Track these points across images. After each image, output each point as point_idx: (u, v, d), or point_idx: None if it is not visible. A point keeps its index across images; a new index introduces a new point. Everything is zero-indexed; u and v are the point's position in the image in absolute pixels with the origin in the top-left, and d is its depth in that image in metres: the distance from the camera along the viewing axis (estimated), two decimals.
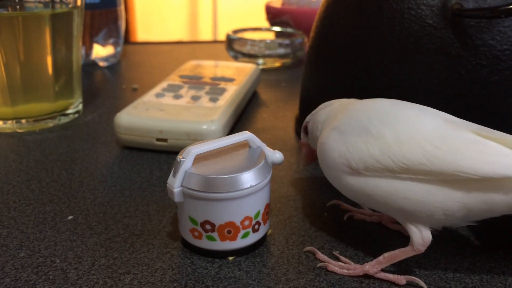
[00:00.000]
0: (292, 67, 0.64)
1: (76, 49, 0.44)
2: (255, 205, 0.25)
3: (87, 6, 0.58)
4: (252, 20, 1.92)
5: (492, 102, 0.31)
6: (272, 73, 0.62)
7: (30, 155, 0.37)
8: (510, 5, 0.28)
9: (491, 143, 0.22)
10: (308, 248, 0.26)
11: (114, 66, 0.64)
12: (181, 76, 0.48)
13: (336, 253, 0.26)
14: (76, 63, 0.45)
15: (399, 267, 0.25)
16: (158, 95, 0.42)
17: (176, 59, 0.68)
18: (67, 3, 0.42)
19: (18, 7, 0.40)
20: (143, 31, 2.17)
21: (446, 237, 0.27)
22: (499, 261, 0.25)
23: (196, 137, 0.36)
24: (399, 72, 0.32)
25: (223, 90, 0.43)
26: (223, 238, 0.25)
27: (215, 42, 0.83)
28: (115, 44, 0.63)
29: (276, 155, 0.27)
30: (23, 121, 0.42)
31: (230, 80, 0.47)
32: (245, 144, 0.28)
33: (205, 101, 0.41)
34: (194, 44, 0.79)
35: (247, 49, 0.63)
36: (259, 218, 0.26)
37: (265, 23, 0.78)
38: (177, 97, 0.41)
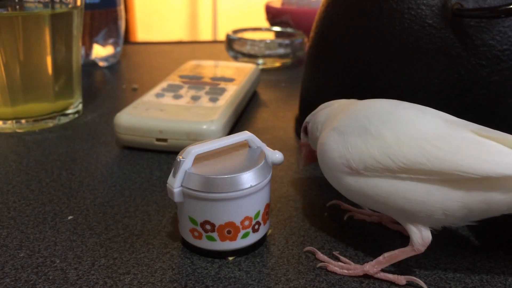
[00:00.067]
0: (292, 67, 0.64)
1: (76, 49, 0.44)
2: (255, 205, 0.25)
3: (87, 6, 0.58)
4: (252, 20, 1.92)
5: (492, 102, 0.31)
6: (272, 73, 0.62)
7: (30, 155, 0.37)
8: (510, 5, 0.28)
9: (491, 143, 0.22)
10: (308, 248, 0.26)
11: (114, 66, 0.64)
12: (181, 76, 0.48)
13: (336, 253, 0.26)
14: (76, 63, 0.45)
15: (399, 267, 0.25)
16: (158, 95, 0.41)
17: (176, 59, 0.68)
18: (67, 3, 0.42)
19: (17, 7, 0.40)
20: (143, 31, 2.17)
21: (446, 237, 0.27)
22: (499, 261, 0.25)
23: (196, 137, 0.36)
24: (399, 72, 0.32)
25: (223, 90, 0.43)
26: (223, 238, 0.25)
27: (215, 42, 0.83)
28: (115, 44, 0.63)
29: (276, 155, 0.27)
30: (23, 121, 0.42)
31: (230, 80, 0.47)
32: (245, 144, 0.28)
33: (205, 101, 0.41)
34: (194, 44, 0.79)
35: (247, 49, 0.63)
36: (259, 218, 0.26)
37: (265, 23, 0.78)
38: (177, 97, 0.41)
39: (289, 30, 0.69)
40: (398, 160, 0.22)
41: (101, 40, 0.62)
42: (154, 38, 2.12)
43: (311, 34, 0.40)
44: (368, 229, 0.28)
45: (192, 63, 0.53)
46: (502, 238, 0.27)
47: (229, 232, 0.25)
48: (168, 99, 0.41)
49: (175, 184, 0.24)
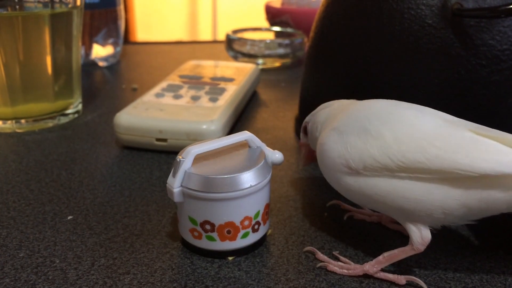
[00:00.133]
0: (292, 67, 0.64)
1: (76, 49, 0.44)
2: (255, 205, 0.25)
3: (87, 6, 0.58)
4: (252, 20, 1.92)
5: (492, 102, 0.31)
6: (272, 73, 0.62)
7: (30, 155, 0.37)
8: (510, 5, 0.28)
9: (489, 142, 0.22)
10: (308, 248, 0.26)
11: (114, 66, 0.64)
12: (181, 76, 0.48)
13: (336, 253, 0.26)
14: (76, 63, 0.45)
15: (399, 267, 0.25)
16: (158, 95, 0.41)
17: (176, 59, 0.68)
18: (67, 3, 0.42)
19: (17, 7, 0.40)
20: (143, 31, 2.17)
21: (446, 237, 0.27)
22: (499, 261, 0.25)
23: (196, 137, 0.36)
24: (399, 72, 0.32)
25: (222, 90, 0.43)
26: (222, 238, 0.25)
27: (214, 42, 0.83)
28: (115, 44, 0.63)
29: (276, 155, 0.27)
30: (23, 121, 0.42)
31: (230, 80, 0.47)
32: (244, 144, 0.28)
33: (204, 101, 0.41)
34: (193, 44, 0.79)
35: (246, 49, 0.63)
36: (259, 218, 0.26)
37: (265, 23, 0.78)
38: (177, 97, 0.41)
39: (289, 30, 0.69)
40: (397, 159, 0.22)
41: (101, 40, 0.62)
42: (154, 38, 2.12)
43: (311, 34, 0.40)
44: (368, 229, 0.28)
45: (192, 63, 0.53)
46: (502, 238, 0.27)
47: (229, 232, 0.25)
48: (168, 99, 0.41)
49: (175, 184, 0.24)
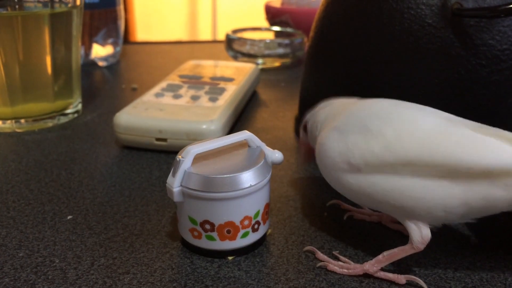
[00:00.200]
0: (291, 67, 0.64)
1: (75, 49, 0.44)
2: (254, 205, 0.25)
3: (86, 6, 0.58)
4: (252, 19, 1.92)
5: (492, 102, 0.31)
6: (272, 73, 0.62)
7: (29, 155, 0.37)
8: (510, 4, 0.28)
9: (490, 139, 0.22)
10: (307, 247, 0.26)
11: (114, 66, 0.64)
12: (181, 76, 0.47)
13: (335, 252, 0.26)
14: (75, 63, 0.45)
15: (399, 267, 0.25)
16: (158, 95, 0.41)
17: (176, 59, 0.68)
18: (66, 3, 0.42)
19: (17, 6, 0.40)
20: (143, 31, 2.17)
21: (446, 236, 0.27)
22: (499, 261, 0.25)
23: (196, 137, 0.36)
24: (399, 72, 0.32)
25: (222, 90, 0.43)
26: (222, 238, 0.25)
27: (214, 42, 0.83)
28: (115, 44, 0.63)
29: (276, 155, 0.27)
30: (22, 121, 0.42)
31: (230, 80, 0.47)
32: (244, 144, 0.28)
33: (204, 100, 0.40)
34: (193, 44, 0.79)
35: (246, 49, 0.63)
36: (259, 218, 0.26)
37: (265, 23, 0.78)
38: (177, 97, 0.41)
39: (288, 30, 0.69)
40: (399, 155, 0.22)
41: (101, 40, 0.62)
42: (154, 38, 2.12)
43: (311, 33, 0.40)
44: (368, 229, 0.28)
45: (192, 62, 0.53)
46: (502, 238, 0.27)
47: (228, 231, 0.25)
48: (167, 99, 0.41)
49: (175, 183, 0.24)
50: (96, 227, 0.28)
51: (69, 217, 0.29)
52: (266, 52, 0.63)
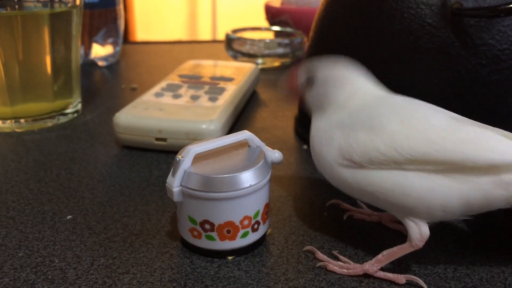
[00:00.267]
0: (291, 67, 0.64)
1: (75, 49, 0.44)
2: (254, 205, 0.25)
3: (86, 6, 0.58)
4: (252, 19, 1.91)
5: (492, 101, 0.31)
6: (272, 72, 0.62)
7: (29, 154, 0.37)
8: (510, 4, 0.28)
9: (496, 136, 0.22)
10: (307, 247, 0.26)
11: (113, 65, 0.64)
12: (180, 76, 0.47)
13: (335, 252, 0.26)
14: (75, 62, 0.45)
15: (398, 266, 0.25)
16: (157, 95, 0.41)
17: (175, 58, 0.68)
18: (66, 3, 0.42)
19: (17, 6, 0.40)
20: (142, 31, 2.17)
21: (446, 236, 0.27)
22: (499, 261, 0.25)
23: (196, 137, 0.36)
24: (399, 71, 0.32)
25: (222, 90, 0.43)
26: (222, 238, 0.25)
27: (214, 41, 0.83)
28: (114, 44, 0.63)
29: (276, 155, 0.27)
30: (22, 120, 0.42)
31: (229, 79, 0.47)
32: (244, 144, 0.27)
33: (204, 100, 0.40)
34: (193, 44, 0.79)
35: (246, 48, 0.63)
36: (259, 218, 0.26)
37: (265, 23, 0.78)
38: (176, 96, 0.41)
39: (288, 29, 0.69)
40: (405, 151, 0.22)
41: (100, 40, 0.62)
42: (154, 37, 2.12)
43: (311, 33, 0.40)
44: (367, 229, 0.28)
45: (192, 62, 0.53)
46: (502, 238, 0.27)
47: (228, 231, 0.25)
48: (167, 99, 0.41)
49: (175, 183, 0.24)
50: (95, 227, 0.28)
51: (68, 217, 0.29)
52: (266, 52, 0.63)
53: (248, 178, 0.24)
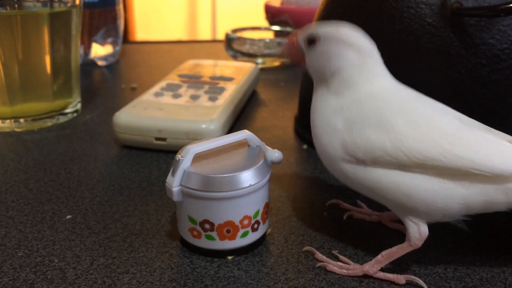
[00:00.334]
0: (291, 67, 0.64)
1: (75, 48, 0.44)
2: (254, 204, 0.25)
3: (86, 5, 0.58)
4: (251, 19, 1.91)
5: (492, 101, 0.31)
6: (271, 72, 0.62)
7: (29, 154, 0.37)
8: (510, 3, 0.28)
9: (505, 143, 0.22)
10: (307, 248, 0.26)
11: (113, 65, 0.64)
12: (180, 76, 0.47)
13: (335, 252, 0.26)
14: (75, 62, 0.45)
15: (398, 267, 0.25)
16: (157, 94, 0.41)
17: (175, 58, 0.68)
18: (66, 2, 0.42)
19: (16, 6, 0.40)
20: (142, 30, 2.17)
21: (446, 236, 0.27)
22: (499, 261, 0.25)
23: (195, 136, 0.36)
24: (399, 71, 0.32)
25: (222, 89, 0.43)
26: (222, 238, 0.25)
27: (214, 41, 0.83)
28: (114, 43, 0.63)
29: (275, 154, 0.27)
30: (22, 120, 0.42)
31: (229, 79, 0.47)
32: (244, 143, 0.27)
33: (204, 100, 0.40)
34: (193, 44, 0.79)
35: (246, 48, 0.63)
36: (258, 217, 0.26)
37: (264, 23, 0.78)
38: (176, 96, 0.41)
39: (288, 29, 0.69)
40: (413, 155, 0.22)
41: (100, 39, 0.62)
42: (153, 37, 2.12)
43: None
44: (367, 229, 0.28)
45: (191, 62, 0.53)
46: (502, 238, 0.27)
47: (228, 231, 0.25)
48: (167, 98, 0.41)
49: (174, 183, 0.24)
50: (95, 227, 0.28)
51: (68, 216, 0.29)
52: (266, 51, 0.63)
53: (248, 177, 0.24)
